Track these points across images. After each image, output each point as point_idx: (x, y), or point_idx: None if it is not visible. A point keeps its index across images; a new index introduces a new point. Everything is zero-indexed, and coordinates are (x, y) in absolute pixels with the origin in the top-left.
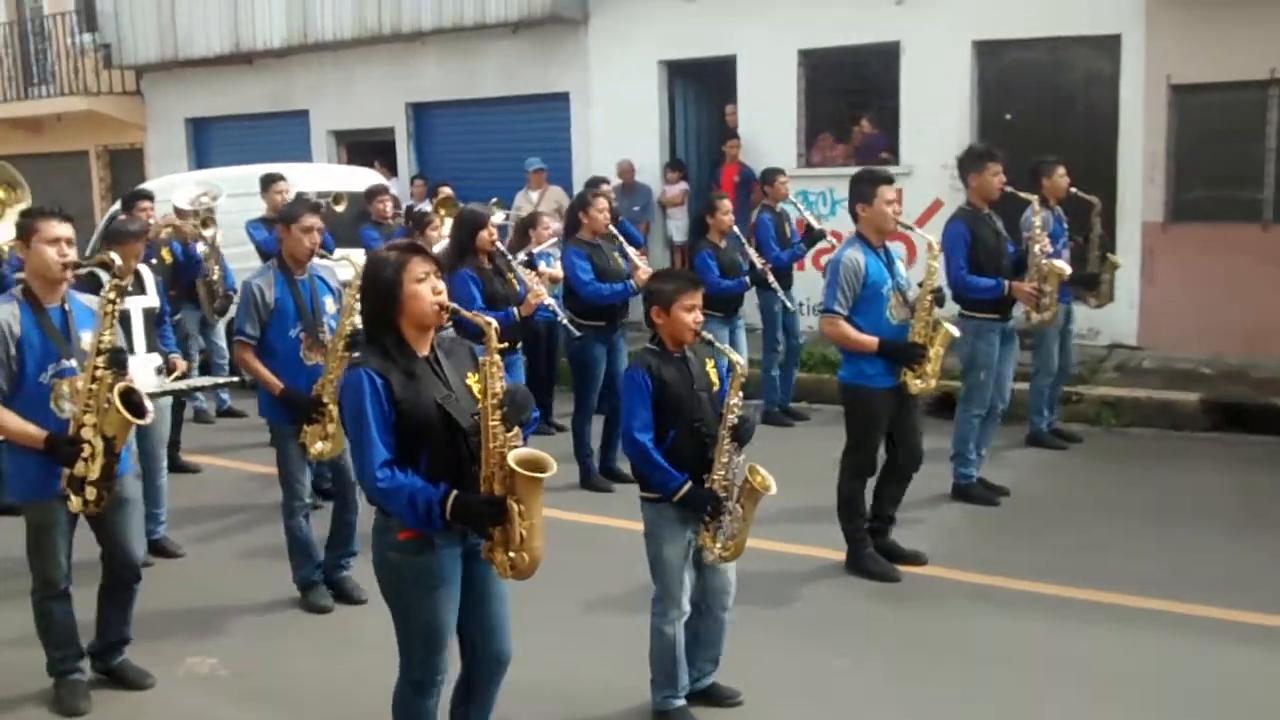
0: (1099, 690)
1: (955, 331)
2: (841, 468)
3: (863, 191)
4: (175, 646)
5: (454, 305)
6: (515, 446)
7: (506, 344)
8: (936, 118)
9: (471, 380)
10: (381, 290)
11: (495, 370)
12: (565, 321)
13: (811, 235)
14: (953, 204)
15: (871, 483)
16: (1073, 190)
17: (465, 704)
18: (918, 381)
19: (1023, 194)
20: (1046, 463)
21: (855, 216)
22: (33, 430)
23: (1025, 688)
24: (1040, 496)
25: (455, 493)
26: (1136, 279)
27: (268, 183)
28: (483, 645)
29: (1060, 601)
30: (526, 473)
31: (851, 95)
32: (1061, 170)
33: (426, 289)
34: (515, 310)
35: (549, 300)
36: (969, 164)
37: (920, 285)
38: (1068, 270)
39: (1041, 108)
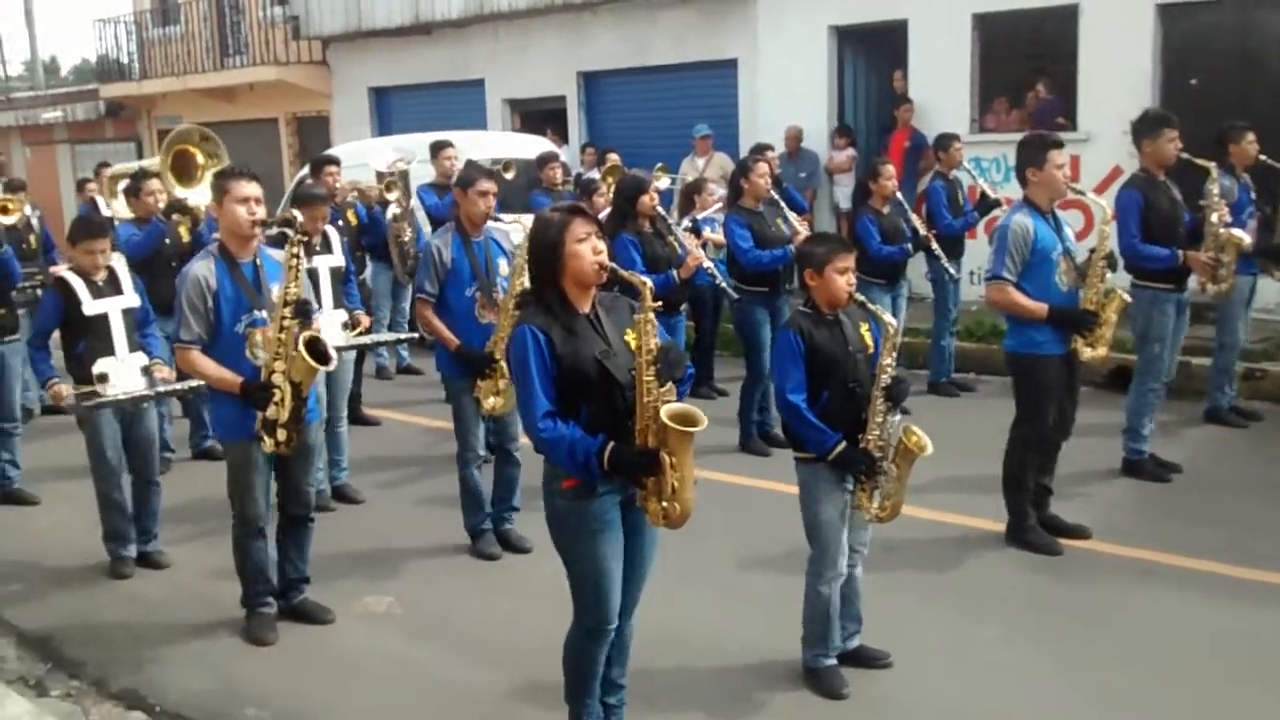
0: (1261, 672)
1: (1128, 298)
2: (1011, 439)
3: (1032, 156)
4: (354, 586)
5: (612, 264)
6: (668, 401)
7: (667, 306)
8: (1116, 82)
9: (630, 337)
10: (545, 250)
11: (649, 327)
12: (724, 285)
13: (985, 203)
14: (1133, 171)
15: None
16: (1262, 158)
17: None
18: (1089, 349)
19: (1200, 161)
20: (1223, 440)
21: (1024, 181)
22: (229, 376)
23: (1182, 666)
24: (1213, 474)
25: (612, 443)
26: None
27: (437, 149)
28: (627, 585)
29: (1226, 581)
30: (678, 426)
31: (1027, 59)
32: (1250, 137)
33: (587, 249)
34: (675, 273)
35: (708, 263)
36: (1144, 129)
37: (1092, 251)
38: (1247, 240)
39: (1229, 72)
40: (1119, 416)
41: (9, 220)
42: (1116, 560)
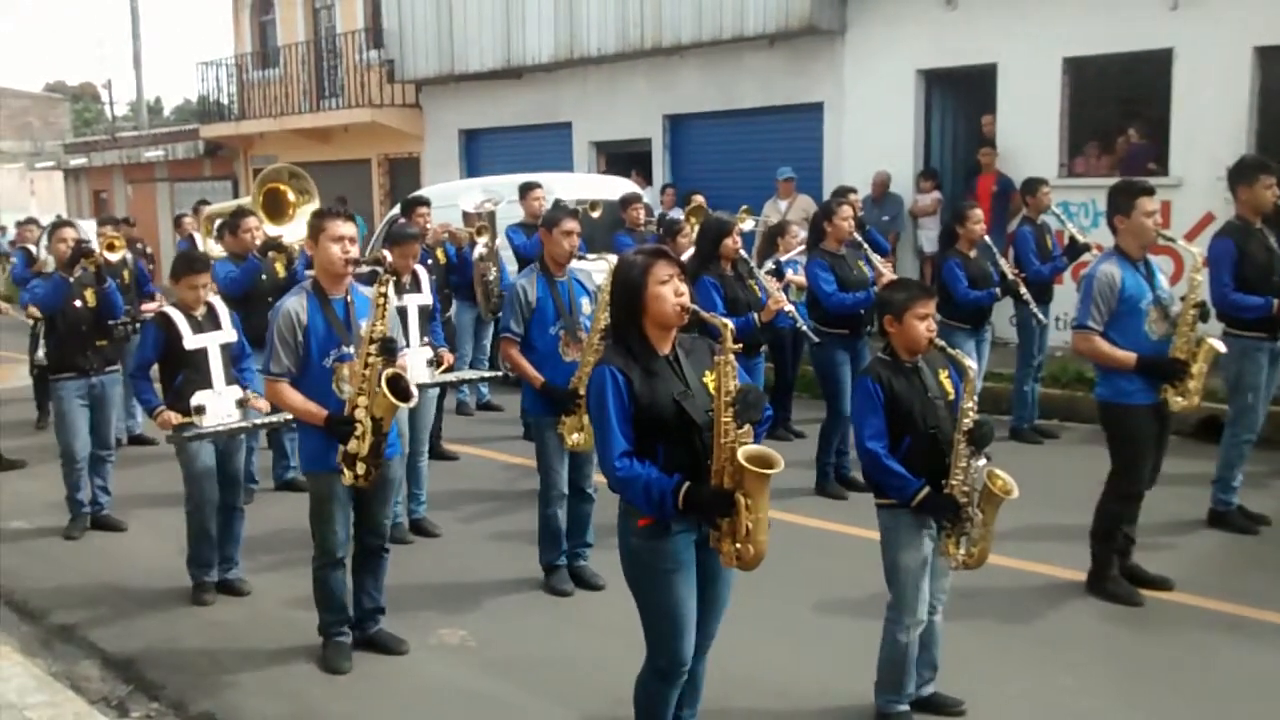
0: None
1: (1220, 347)
2: (1106, 489)
3: (1121, 203)
4: (429, 618)
5: (694, 306)
6: (746, 443)
7: (747, 348)
8: (1211, 128)
9: (709, 378)
10: (627, 291)
11: (729, 369)
12: (806, 328)
13: (1074, 248)
14: (1226, 218)
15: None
16: None
17: None
18: (1180, 399)
19: None
20: None
21: (1114, 229)
22: (314, 409)
23: None
24: None
25: (687, 484)
26: None
27: (525, 190)
28: (700, 624)
29: None
30: (755, 469)
31: (1118, 103)
32: None
33: (669, 290)
34: (755, 316)
35: (789, 307)
36: (1239, 176)
37: (1183, 300)
38: None
39: None
40: (1206, 466)
41: (114, 256)
42: (1200, 613)
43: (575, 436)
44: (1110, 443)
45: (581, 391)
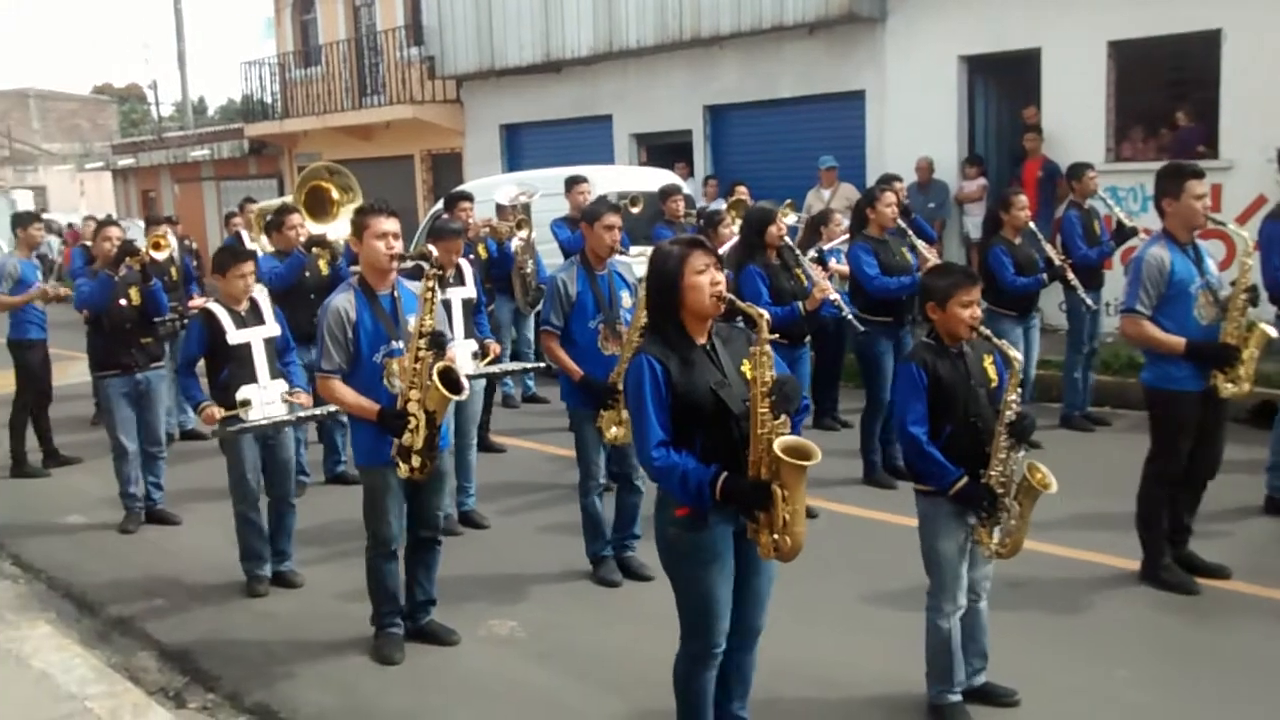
0: None
1: (1272, 332)
2: (1144, 474)
3: (1169, 186)
4: (478, 609)
5: (730, 296)
6: (782, 434)
7: (792, 338)
8: (1262, 109)
9: (746, 367)
10: (664, 281)
11: (765, 359)
12: (850, 317)
13: (1122, 233)
14: (1277, 200)
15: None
16: None
17: (727, 669)
18: (1230, 385)
19: None
20: None
21: (1161, 212)
22: (367, 404)
23: None
24: None
25: (724, 474)
26: None
27: (571, 184)
28: (744, 616)
29: None
30: (791, 460)
31: (1165, 87)
32: None
33: (705, 280)
34: (801, 305)
35: (834, 296)
36: None
37: (1233, 284)
38: None
39: None
40: (1261, 453)
41: (160, 256)
42: (1257, 601)
43: (614, 430)
44: (1153, 426)
45: (620, 385)
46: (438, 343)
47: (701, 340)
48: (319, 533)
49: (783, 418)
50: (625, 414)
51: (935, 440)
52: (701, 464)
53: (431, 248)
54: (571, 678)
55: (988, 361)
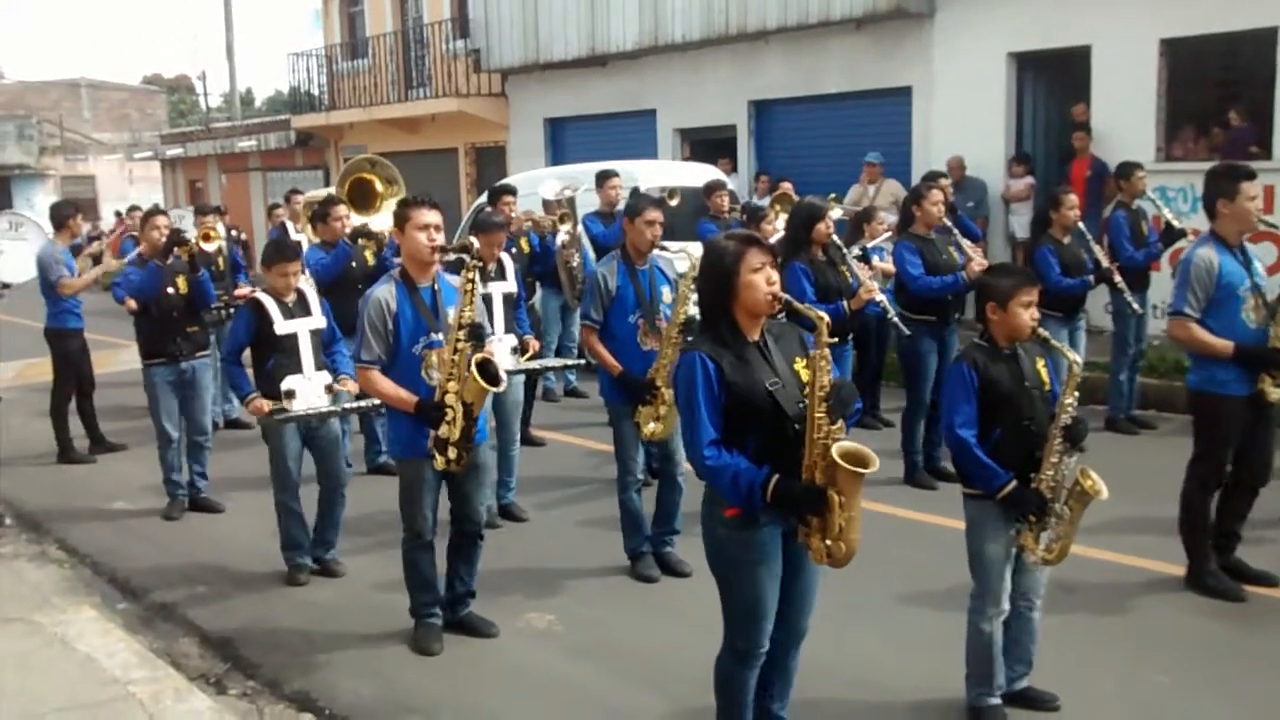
0: None
1: None
2: (1187, 478)
3: (1224, 187)
4: (517, 602)
5: (787, 297)
6: (839, 438)
7: (835, 336)
8: None
9: (799, 365)
10: (719, 277)
11: (824, 363)
12: (895, 318)
13: (1170, 234)
14: None
15: (1216, 496)
16: None
17: (769, 670)
18: (1278, 390)
19: None
20: None
21: (1213, 213)
22: (405, 395)
23: None
24: None
25: (777, 477)
26: None
27: (602, 179)
28: (789, 618)
29: None
30: (850, 467)
31: (1218, 86)
32: None
33: (761, 279)
34: (845, 304)
35: (880, 296)
36: None
37: None
38: None
39: None
40: None
41: (210, 247)
42: None
43: (651, 426)
44: (1196, 429)
45: (659, 381)
46: (477, 335)
47: (754, 337)
48: (360, 523)
49: (839, 422)
50: (663, 410)
51: (984, 442)
52: (753, 465)
53: (474, 240)
54: (608, 672)
55: (1040, 364)
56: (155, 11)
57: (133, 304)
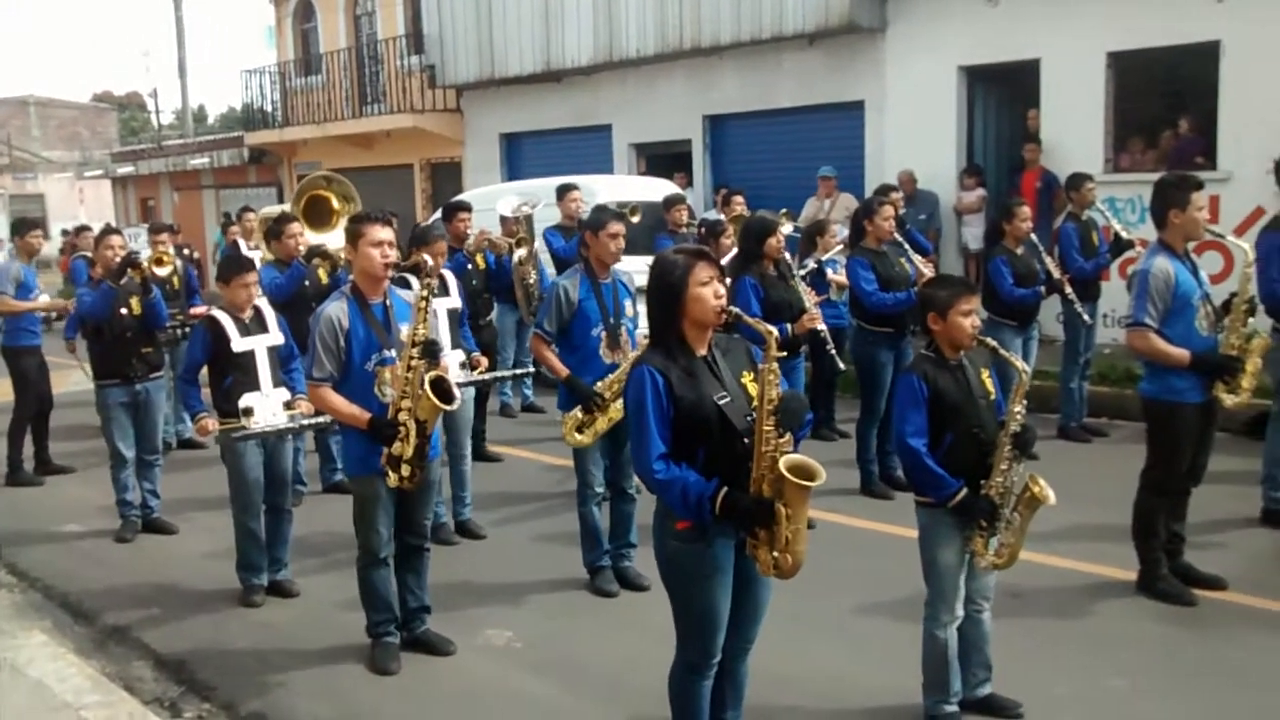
0: None
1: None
2: (1141, 485)
3: (1176, 197)
4: (475, 619)
5: (737, 310)
6: (787, 452)
7: (786, 349)
8: (1260, 121)
9: (747, 379)
10: (667, 291)
11: (772, 377)
12: (831, 350)
13: (1119, 244)
14: (1275, 212)
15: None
16: None
17: (719, 679)
18: (1231, 395)
19: None
20: None
21: (1162, 223)
22: (357, 412)
23: None
24: None
25: (725, 490)
26: None
27: (563, 192)
28: (739, 627)
29: None
30: (797, 480)
31: (1164, 98)
32: None
33: (709, 292)
34: (790, 327)
35: (822, 326)
36: None
37: (1233, 295)
38: None
39: None
40: (1257, 464)
41: (163, 272)
42: (1254, 612)
43: (577, 436)
44: (1150, 437)
45: (607, 394)
46: (431, 351)
47: (701, 351)
48: (316, 541)
49: (787, 435)
50: (600, 425)
51: (935, 450)
52: (702, 478)
53: (427, 257)
54: (568, 688)
55: (985, 374)
56: (106, 28)
57: (73, 346)
